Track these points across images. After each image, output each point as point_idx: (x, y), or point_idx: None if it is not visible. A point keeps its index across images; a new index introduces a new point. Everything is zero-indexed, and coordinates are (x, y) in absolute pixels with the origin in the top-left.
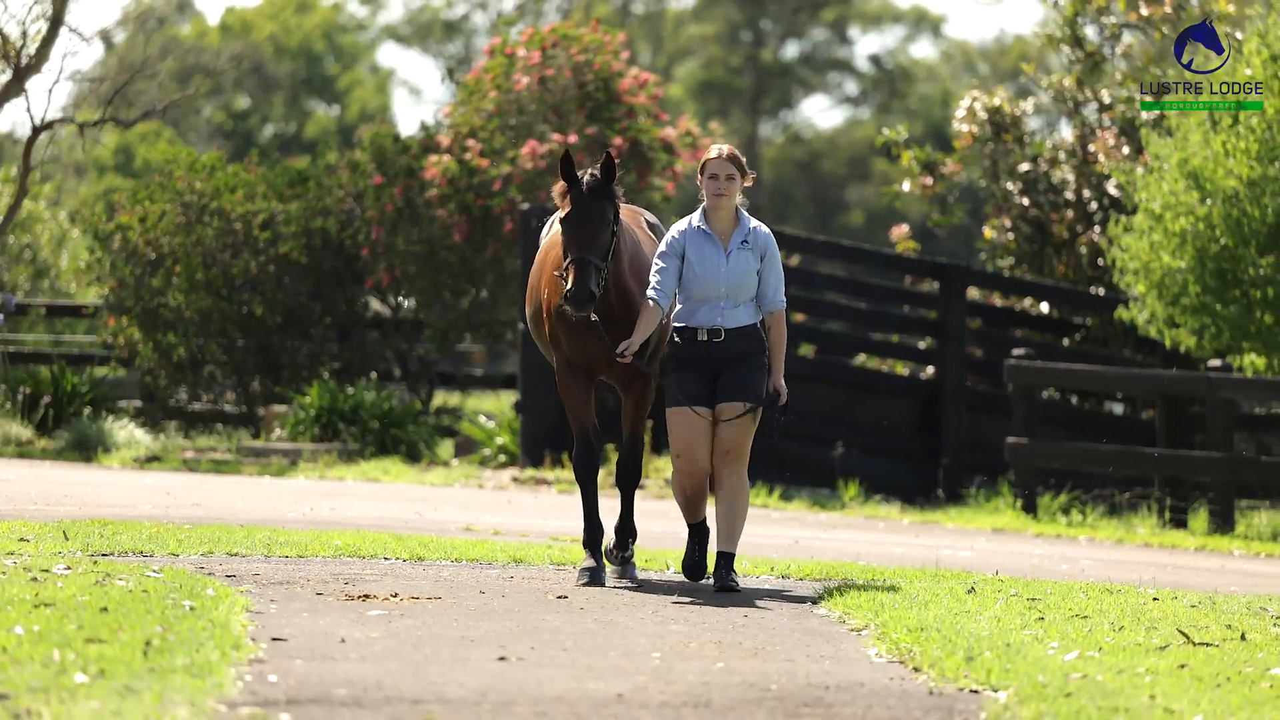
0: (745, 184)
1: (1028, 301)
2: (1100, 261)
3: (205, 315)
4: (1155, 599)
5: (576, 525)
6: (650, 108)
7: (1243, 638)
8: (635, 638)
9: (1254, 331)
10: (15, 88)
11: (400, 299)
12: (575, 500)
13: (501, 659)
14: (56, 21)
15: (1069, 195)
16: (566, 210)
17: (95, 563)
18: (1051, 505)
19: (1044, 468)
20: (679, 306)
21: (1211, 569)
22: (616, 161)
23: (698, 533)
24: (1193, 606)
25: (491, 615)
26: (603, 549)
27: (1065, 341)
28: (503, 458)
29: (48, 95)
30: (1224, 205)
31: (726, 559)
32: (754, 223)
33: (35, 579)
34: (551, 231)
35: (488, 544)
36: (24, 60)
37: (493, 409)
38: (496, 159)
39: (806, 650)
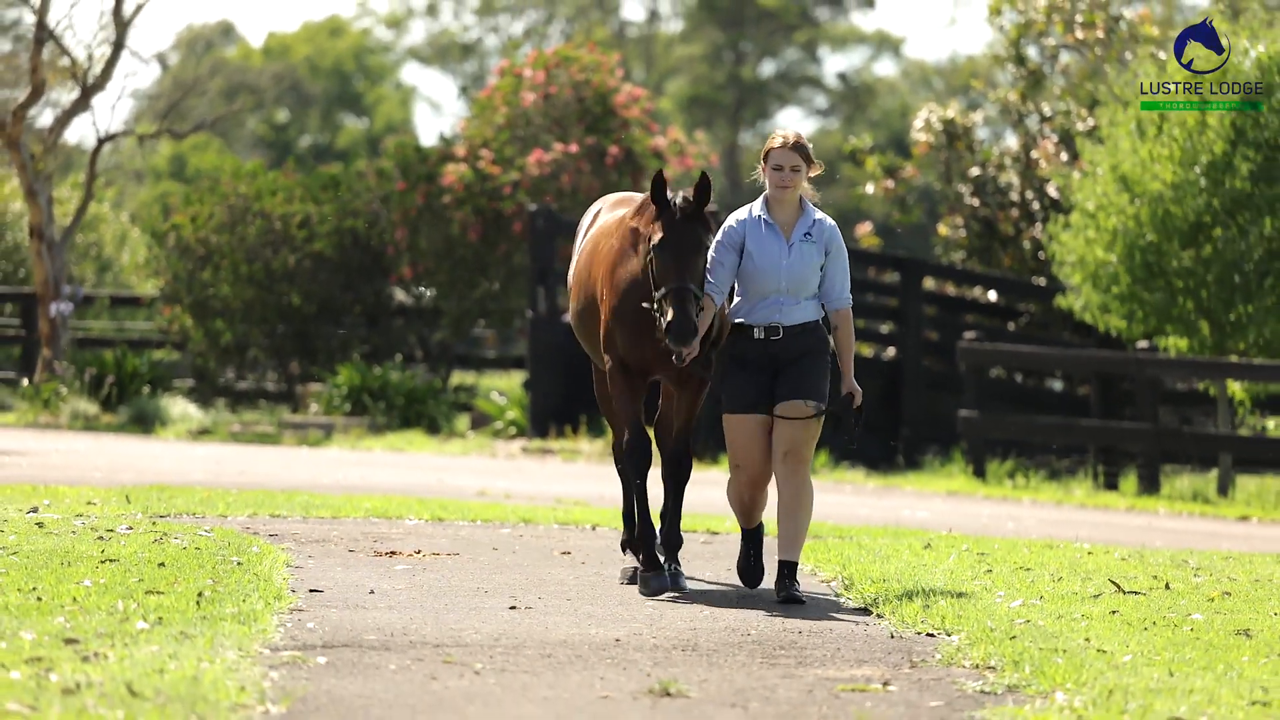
0: (812, 174)
1: (977, 290)
2: (1041, 255)
3: (249, 305)
4: (1090, 553)
5: (579, 489)
6: (642, 120)
7: (1167, 587)
8: (631, 589)
9: (1176, 316)
10: (82, 104)
11: (421, 290)
12: (578, 467)
13: (512, 608)
14: (118, 46)
15: (1014, 196)
16: (660, 235)
17: (154, 523)
18: (999, 471)
19: (992, 438)
20: (736, 300)
21: (1140, 526)
22: (709, 183)
23: (752, 537)
24: (1123, 559)
25: (503, 569)
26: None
27: (1011, 326)
28: (513, 430)
29: (111, 111)
30: (1150, 205)
31: (789, 568)
32: (819, 214)
33: (101, 537)
34: (601, 222)
35: (500, 506)
36: (90, 80)
37: (504, 387)
38: (507, 167)
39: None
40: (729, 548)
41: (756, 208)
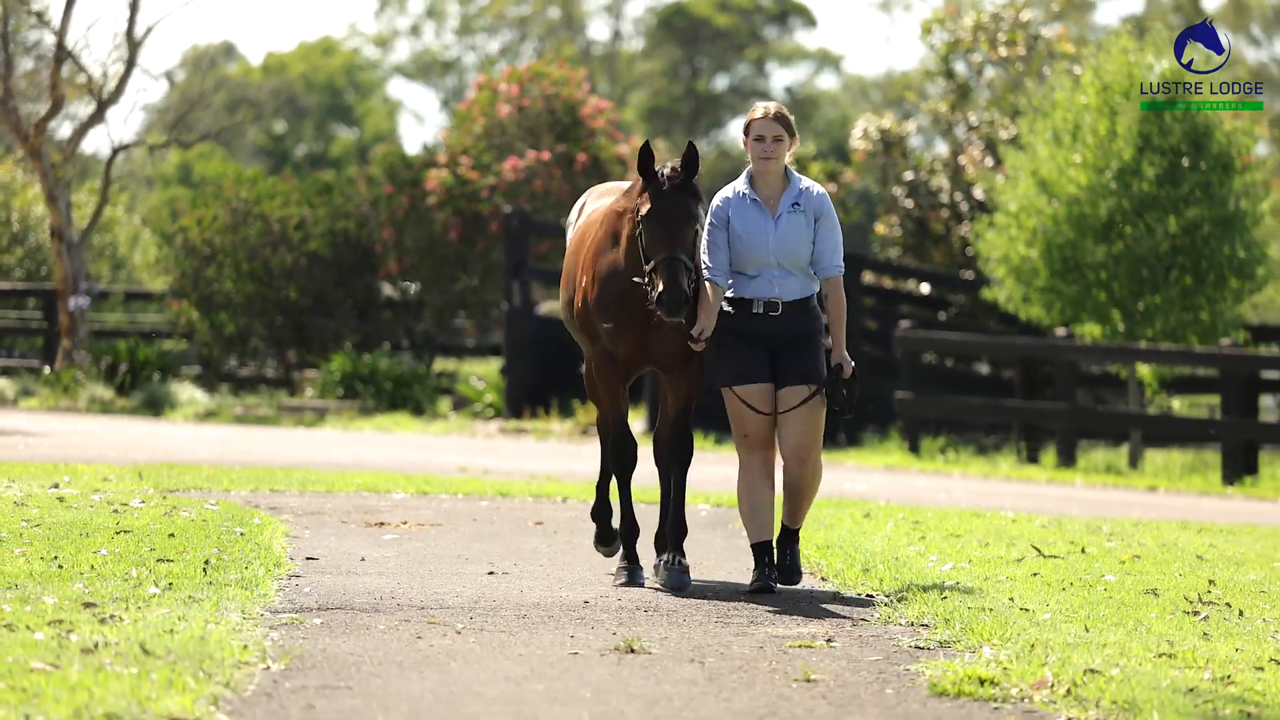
0: (793, 147)
1: (912, 283)
2: (969, 252)
3: (250, 299)
4: (1014, 520)
5: (551, 465)
6: (607, 129)
7: (1083, 551)
8: (599, 556)
9: (1091, 307)
10: (98, 117)
11: (407, 285)
12: (550, 445)
13: (490, 573)
14: (130, 64)
15: (944, 198)
16: (648, 206)
17: (164, 497)
18: (932, 447)
19: (925, 417)
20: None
21: (1058, 496)
22: (699, 153)
23: (763, 553)
24: (1043, 526)
25: (482, 538)
26: (625, 546)
27: (942, 316)
28: (491, 412)
29: (124, 123)
30: (1067, 206)
31: (790, 535)
32: (806, 183)
33: (116, 511)
34: (588, 213)
35: (479, 481)
36: (105, 95)
37: (482, 373)
38: (484, 172)
39: (735, 565)
40: (692, 520)
41: (741, 184)
